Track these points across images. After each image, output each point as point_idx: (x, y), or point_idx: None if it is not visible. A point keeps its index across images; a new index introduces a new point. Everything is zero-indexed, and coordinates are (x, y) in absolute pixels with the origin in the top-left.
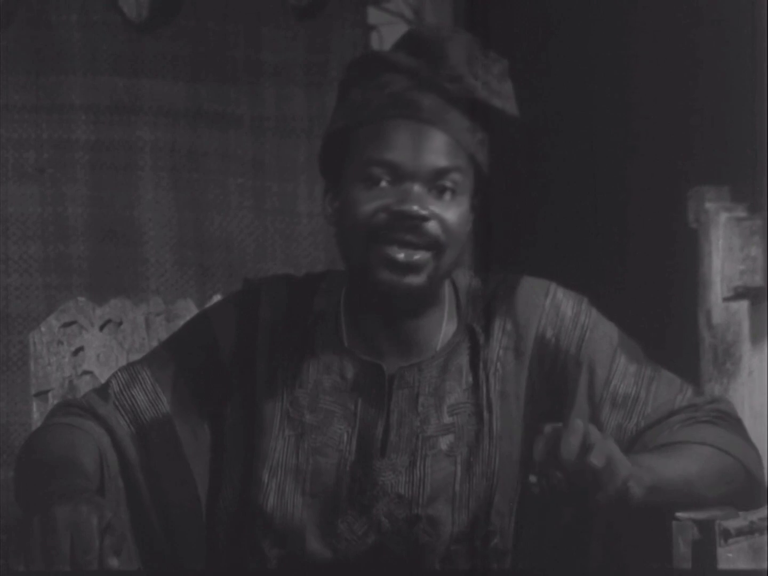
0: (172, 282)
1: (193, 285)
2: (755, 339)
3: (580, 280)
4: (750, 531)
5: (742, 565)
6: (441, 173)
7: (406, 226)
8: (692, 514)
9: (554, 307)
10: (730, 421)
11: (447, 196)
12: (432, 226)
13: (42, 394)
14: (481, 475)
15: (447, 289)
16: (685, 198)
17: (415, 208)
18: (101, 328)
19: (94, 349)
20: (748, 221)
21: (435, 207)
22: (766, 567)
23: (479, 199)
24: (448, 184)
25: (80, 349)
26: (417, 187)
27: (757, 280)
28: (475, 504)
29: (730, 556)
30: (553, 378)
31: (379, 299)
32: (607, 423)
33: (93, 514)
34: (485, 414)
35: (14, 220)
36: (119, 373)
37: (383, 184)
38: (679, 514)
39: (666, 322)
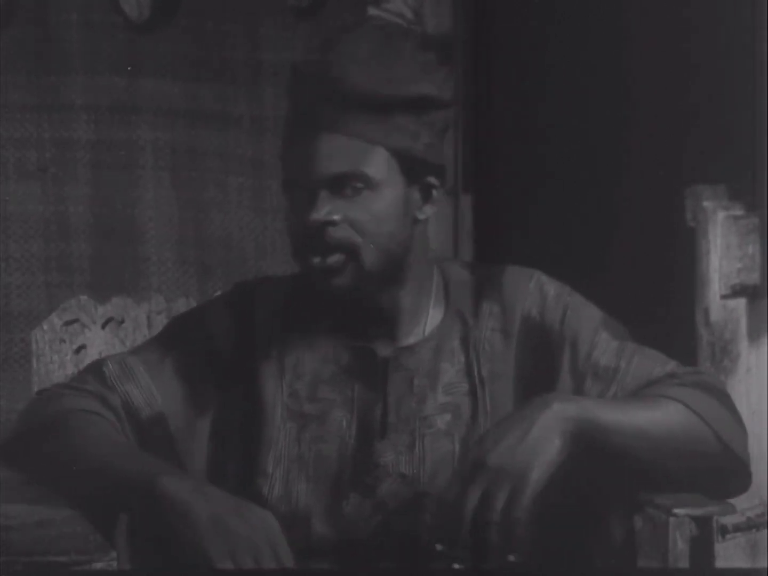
0: (174, 280)
1: (194, 283)
2: (753, 336)
3: (577, 278)
4: (747, 527)
5: (739, 560)
6: (341, 177)
7: (315, 234)
8: (689, 510)
9: (538, 288)
10: (714, 391)
11: (363, 193)
12: (338, 230)
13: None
14: None
15: (435, 278)
16: (683, 197)
17: (315, 216)
18: (103, 326)
19: (96, 347)
20: (746, 219)
21: (344, 209)
22: (765, 566)
23: (440, 186)
24: (358, 185)
25: (82, 347)
26: (324, 193)
27: (755, 278)
28: None
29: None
30: (539, 355)
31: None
32: (588, 394)
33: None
34: (479, 392)
35: (16, 218)
36: (110, 365)
37: (295, 196)
38: (676, 510)
39: (664, 320)
